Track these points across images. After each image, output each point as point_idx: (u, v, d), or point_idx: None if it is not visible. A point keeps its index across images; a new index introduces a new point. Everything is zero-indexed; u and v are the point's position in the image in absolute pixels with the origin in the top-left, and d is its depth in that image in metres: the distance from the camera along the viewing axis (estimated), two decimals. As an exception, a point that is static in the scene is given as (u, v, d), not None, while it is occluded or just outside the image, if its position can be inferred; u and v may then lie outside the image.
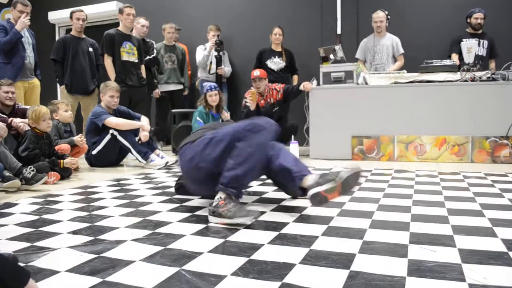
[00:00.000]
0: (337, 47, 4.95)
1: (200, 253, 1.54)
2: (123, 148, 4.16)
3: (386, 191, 2.70)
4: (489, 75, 4.24)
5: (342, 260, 1.44)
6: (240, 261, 1.46)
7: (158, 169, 4.00)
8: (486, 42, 5.19)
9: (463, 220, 1.95)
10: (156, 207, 2.34)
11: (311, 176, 2.14)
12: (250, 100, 4.84)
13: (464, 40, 5.09)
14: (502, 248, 1.55)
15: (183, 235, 1.77)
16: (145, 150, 4.14)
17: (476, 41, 5.02)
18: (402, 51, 5.37)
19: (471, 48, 4.60)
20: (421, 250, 1.54)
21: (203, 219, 2.03)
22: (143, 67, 5.32)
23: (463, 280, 1.27)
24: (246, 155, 2.04)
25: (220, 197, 2.00)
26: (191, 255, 1.52)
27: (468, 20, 5.28)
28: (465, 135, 4.19)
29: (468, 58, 4.53)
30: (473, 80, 4.26)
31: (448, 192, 2.63)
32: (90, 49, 5.41)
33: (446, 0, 5.78)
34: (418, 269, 1.36)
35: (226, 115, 4.87)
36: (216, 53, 5.92)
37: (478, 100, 4.18)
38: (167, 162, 4.10)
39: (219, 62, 5.97)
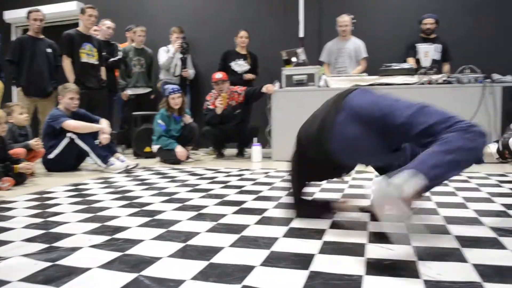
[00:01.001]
0: (300, 50, 5.01)
1: (159, 258, 1.52)
2: (82, 152, 4.06)
3: (345, 191, 2.74)
4: (445, 78, 4.39)
5: (301, 261, 1.46)
6: (200, 265, 1.44)
7: (118, 173, 3.92)
8: (439, 46, 5.36)
9: (419, 218, 2.00)
10: (115, 212, 2.29)
11: None
12: (219, 103, 4.84)
13: (417, 44, 5.25)
14: (455, 245, 1.60)
15: (142, 240, 1.74)
16: (105, 153, 4.04)
17: (433, 45, 5.19)
18: (364, 55, 5.46)
19: (428, 52, 4.75)
20: (378, 248, 1.58)
21: (164, 223, 2.00)
22: (103, 69, 5.21)
23: (418, 277, 1.31)
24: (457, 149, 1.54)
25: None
26: (150, 260, 1.50)
27: (420, 25, 5.44)
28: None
29: (425, 62, 4.67)
30: (430, 83, 4.40)
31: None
32: (49, 50, 5.25)
33: (406, 4, 5.93)
34: (375, 267, 1.39)
35: (188, 118, 4.84)
36: (181, 55, 5.87)
37: (435, 102, 4.27)
38: (128, 166, 4.02)
39: (184, 64, 5.93)
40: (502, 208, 2.20)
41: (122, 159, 4.15)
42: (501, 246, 1.58)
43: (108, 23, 5.60)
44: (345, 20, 5.37)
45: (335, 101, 2.02)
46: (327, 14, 6.03)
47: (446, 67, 5.32)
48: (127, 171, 3.98)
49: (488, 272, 1.33)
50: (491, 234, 1.74)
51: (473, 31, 5.69)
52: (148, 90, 6.05)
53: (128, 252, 1.60)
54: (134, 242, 1.71)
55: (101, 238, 1.78)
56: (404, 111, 1.73)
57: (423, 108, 1.77)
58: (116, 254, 1.57)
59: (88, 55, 4.92)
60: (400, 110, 1.74)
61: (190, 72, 6.06)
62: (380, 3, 6.10)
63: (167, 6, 6.89)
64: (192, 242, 1.71)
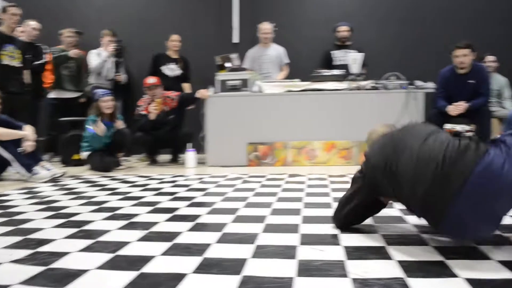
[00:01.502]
0: (233, 56, 5.03)
1: (86, 271, 1.45)
2: (3, 161, 3.80)
3: (279, 195, 2.78)
4: (372, 85, 4.59)
5: (234, 266, 1.45)
6: (130, 275, 1.40)
7: (44, 182, 3.72)
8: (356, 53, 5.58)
9: (348, 219, 2.07)
10: (39, 223, 2.16)
11: None
12: (154, 109, 4.74)
13: (332, 52, 5.50)
14: (382, 243, 1.67)
15: (68, 253, 1.66)
16: (29, 161, 3.81)
17: (360, 54, 5.41)
18: (286, 61, 5.59)
19: (357, 59, 4.94)
20: (310, 250, 1.61)
21: (93, 234, 1.92)
22: (27, 72, 4.92)
23: (346, 275, 1.35)
24: None
25: None
26: (77, 273, 1.43)
27: (334, 33, 5.64)
28: (351, 140, 4.49)
29: (354, 69, 4.86)
30: (358, 89, 4.58)
31: (336, 194, 2.78)
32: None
33: (330, 14, 6.15)
34: (306, 268, 1.42)
35: (120, 123, 4.69)
36: (116, 59, 5.67)
37: (363, 108, 4.51)
38: (54, 174, 3.83)
39: (117, 68, 5.74)
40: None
41: (48, 168, 3.93)
42: (423, 243, 1.67)
43: (33, 23, 5.30)
44: (266, 27, 5.49)
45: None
46: (261, 20, 6.11)
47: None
48: (54, 180, 3.78)
49: (411, 268, 1.40)
50: (414, 231, 1.84)
51: (397, 40, 6.02)
52: (76, 94, 5.79)
53: (52, 266, 1.51)
54: (59, 255, 1.63)
55: (23, 252, 1.67)
56: None
57: None
58: (40, 269, 1.48)
59: (10, 57, 4.63)
60: None
61: (123, 76, 5.88)
62: (310, 13, 6.27)
63: (98, 8, 6.66)
64: (122, 252, 1.65)
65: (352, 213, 1.84)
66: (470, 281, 1.28)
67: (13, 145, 3.81)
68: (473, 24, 5.86)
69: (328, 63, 5.57)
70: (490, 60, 5.30)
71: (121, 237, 1.86)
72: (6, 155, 3.76)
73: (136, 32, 6.49)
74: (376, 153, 1.69)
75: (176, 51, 5.67)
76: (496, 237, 1.73)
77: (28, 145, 3.88)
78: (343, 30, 5.55)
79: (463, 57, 4.20)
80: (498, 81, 5.33)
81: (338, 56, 5.55)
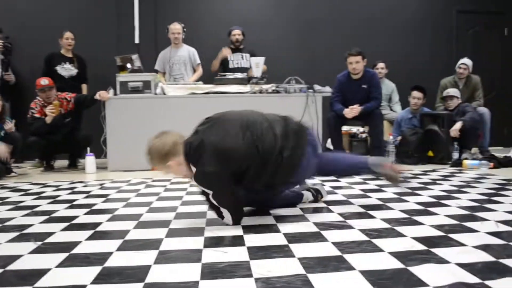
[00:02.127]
0: (134, 57, 4.87)
1: (-31, 289, 1.32)
2: None
3: (184, 198, 2.76)
4: (274, 88, 4.73)
5: (137, 274, 1.41)
6: (21, 291, 1.30)
7: None
8: (248, 55, 5.74)
9: (252, 220, 2.11)
10: None
11: None
12: (50, 112, 4.43)
13: (232, 54, 5.61)
14: (284, 242, 1.73)
15: None
16: None
17: (261, 58, 5.55)
18: (198, 61, 5.56)
19: (259, 63, 5.06)
20: (214, 252, 1.62)
21: (-23, 248, 1.75)
22: None
23: (251, 275, 1.38)
24: None
25: None
26: (-43, 293, 1.30)
27: (229, 37, 5.74)
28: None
29: (257, 72, 4.96)
30: (261, 92, 4.69)
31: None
32: None
33: (233, 16, 6.23)
34: (211, 271, 1.43)
35: (10, 125, 4.33)
36: (3, 57, 5.20)
37: (266, 110, 4.56)
38: None
39: (6, 67, 5.27)
40: (323, 205, 2.45)
41: None
42: (323, 239, 1.76)
43: None
44: (177, 28, 5.42)
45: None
46: (162, 21, 6.00)
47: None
48: None
49: (311, 263, 1.47)
50: (315, 229, 1.93)
51: (297, 46, 6.29)
52: None
53: None
54: None
55: None
56: None
57: None
58: None
59: None
60: None
61: (12, 76, 5.43)
62: (211, 13, 6.30)
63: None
64: (13, 266, 1.53)
65: (233, 200, 2.04)
66: (364, 273, 1.38)
67: None
68: (366, 33, 6.32)
69: (224, 66, 5.66)
70: (380, 67, 5.72)
71: (11, 250, 1.72)
72: None
73: (24, 27, 6.01)
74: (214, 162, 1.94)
75: (69, 50, 5.36)
76: (387, 232, 1.88)
77: None
78: (237, 33, 5.67)
79: (355, 64, 4.48)
80: (387, 86, 5.77)
81: (234, 59, 5.64)
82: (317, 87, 4.82)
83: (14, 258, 1.62)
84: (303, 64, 6.08)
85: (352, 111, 4.45)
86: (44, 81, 4.56)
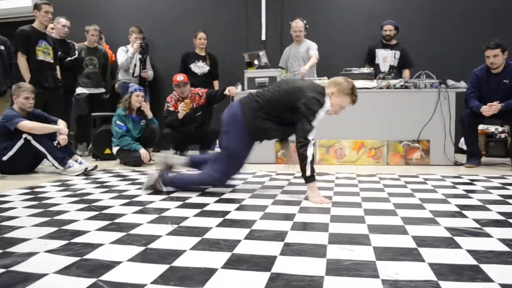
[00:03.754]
0: (261, 53, 5.03)
1: (119, 262, 1.49)
2: (38, 154, 3.92)
3: (307, 193, 2.77)
4: (402, 83, 4.51)
5: (263, 263, 1.46)
6: (161, 268, 1.42)
7: (77, 175, 3.81)
8: (398, 53, 5.51)
9: (378, 219, 2.05)
10: (73, 215, 2.22)
11: None
12: (182, 109, 4.80)
13: (377, 50, 5.40)
14: (412, 245, 1.65)
15: (101, 244, 1.70)
16: (62, 155, 3.91)
17: (391, 52, 5.34)
18: (313, 52, 5.38)
19: (386, 57, 4.88)
20: (339, 249, 1.60)
21: (124, 227, 1.96)
22: (58, 68, 5.04)
23: (377, 276, 1.34)
24: None
25: None
26: (110, 265, 1.46)
27: (381, 31, 5.59)
28: (381, 139, 4.43)
29: (384, 67, 4.80)
30: (388, 87, 4.51)
31: (365, 193, 2.75)
32: (2, 47, 5.04)
33: (362, 10, 6.07)
34: (336, 268, 1.41)
35: (147, 109, 4.78)
36: (140, 56, 5.79)
37: (393, 107, 4.44)
38: (86, 168, 3.92)
39: (143, 65, 5.85)
40: (457, 209, 2.28)
41: (80, 161, 4.03)
42: (456, 246, 1.64)
43: (63, 21, 5.43)
44: (298, 25, 5.42)
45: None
46: (288, 18, 6.08)
47: (406, 73, 5.45)
48: (86, 174, 3.87)
49: (443, 270, 1.38)
50: (447, 234, 1.80)
51: (429, 38, 5.89)
52: (101, 90, 5.92)
53: (86, 256, 1.56)
54: (92, 247, 1.67)
55: (58, 243, 1.73)
56: None
57: None
58: (74, 259, 1.53)
59: (44, 53, 4.75)
60: None
61: (149, 73, 5.99)
62: (341, 7, 6.20)
63: (126, 6, 6.76)
64: (153, 245, 1.68)
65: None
66: (505, 286, 1.26)
67: (47, 138, 3.92)
68: (506, 22, 5.69)
69: (371, 60, 5.53)
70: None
71: (151, 230, 1.90)
72: (41, 148, 3.86)
73: (163, 30, 6.56)
74: None
75: (203, 49, 5.72)
76: (532, 241, 1.68)
77: (62, 139, 3.98)
78: (389, 29, 5.50)
79: (493, 58, 4.08)
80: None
81: (382, 54, 5.47)
82: (450, 82, 4.50)
83: (154, 238, 1.78)
84: (435, 58, 5.68)
85: (491, 108, 4.06)
86: (180, 77, 4.94)
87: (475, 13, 5.81)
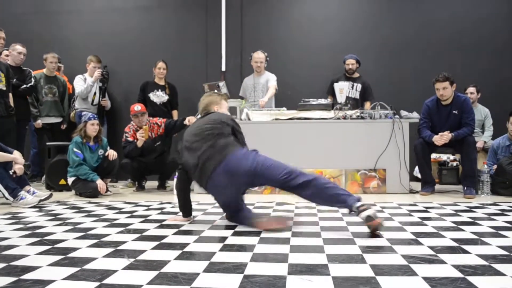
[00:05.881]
0: (221, 84, 5.07)
1: (71, 299, 1.42)
2: (-13, 185, 3.74)
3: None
4: (358, 114, 4.65)
5: (222, 296, 1.44)
6: (116, 305, 1.38)
7: (30, 207, 3.66)
8: (359, 86, 5.70)
9: (337, 248, 2.07)
10: (23, 250, 2.12)
11: None
12: (141, 136, 4.74)
13: (339, 82, 5.58)
14: (371, 273, 1.67)
15: (53, 280, 1.62)
16: (14, 186, 3.75)
17: (349, 83, 5.53)
18: (271, 83, 5.50)
19: (343, 89, 5.03)
20: (298, 280, 1.60)
21: (78, 262, 1.89)
22: (11, 95, 4.87)
23: (336, 307, 1.34)
24: None
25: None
26: (61, 302, 1.40)
27: (344, 65, 5.79)
28: (339, 168, 4.51)
29: (340, 98, 4.93)
30: (344, 118, 4.64)
31: (324, 223, 2.78)
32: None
33: (325, 44, 6.27)
34: (295, 299, 1.41)
35: (112, 154, 4.68)
36: (101, 84, 5.74)
37: (350, 136, 4.56)
38: (40, 200, 3.76)
39: (103, 93, 5.78)
40: (413, 237, 2.34)
41: (33, 192, 3.89)
42: (412, 273, 1.67)
43: (18, 48, 5.31)
44: (260, 56, 5.53)
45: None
46: (248, 50, 6.20)
47: (367, 105, 5.58)
48: (39, 205, 3.72)
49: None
50: (403, 261, 1.84)
51: (384, 71, 6.15)
52: (60, 119, 5.79)
53: (36, 294, 1.48)
54: (44, 283, 1.59)
55: (6, 280, 1.64)
56: None
57: None
58: (23, 298, 1.45)
59: (-5, 80, 4.60)
60: None
61: (108, 102, 5.93)
62: (301, 41, 6.38)
63: (84, 34, 6.69)
64: (108, 281, 1.63)
65: None
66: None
67: (0, 167, 3.76)
68: (455, 55, 6.02)
69: (334, 92, 5.65)
70: (470, 91, 5.43)
71: (107, 265, 1.84)
72: (-8, 177, 3.70)
73: (123, 58, 6.52)
74: None
75: (162, 78, 5.72)
76: (484, 269, 1.74)
77: (18, 168, 3.84)
78: (350, 63, 5.71)
79: (443, 90, 4.28)
80: (481, 111, 5.45)
81: (338, 85, 5.62)
82: (403, 112, 4.68)
83: (109, 272, 1.72)
84: (388, 90, 5.93)
85: (442, 137, 4.24)
86: (137, 107, 4.89)
87: (428, 47, 6.12)
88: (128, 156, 4.87)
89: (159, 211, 3.38)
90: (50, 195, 3.92)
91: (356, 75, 5.81)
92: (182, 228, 2.66)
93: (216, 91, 4.82)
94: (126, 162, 4.86)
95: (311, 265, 1.80)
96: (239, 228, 2.63)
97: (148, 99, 5.59)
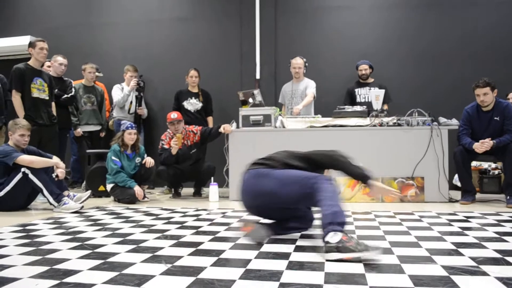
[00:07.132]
0: (256, 92, 5.09)
1: (111, 303, 1.46)
2: (34, 189, 3.89)
3: (301, 231, 2.75)
4: (395, 121, 4.57)
5: (259, 304, 1.44)
6: (155, 309, 1.40)
7: (71, 213, 3.77)
8: (376, 89, 5.58)
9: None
10: (65, 254, 2.19)
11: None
12: (174, 144, 4.82)
13: (355, 89, 5.65)
14: (409, 284, 1.64)
15: (93, 284, 1.67)
16: (58, 192, 3.88)
17: (379, 90, 5.44)
18: (310, 90, 5.48)
19: (379, 95, 4.95)
20: (335, 289, 1.58)
21: (117, 266, 1.93)
22: (53, 104, 5.06)
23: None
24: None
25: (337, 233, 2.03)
26: (102, 306, 1.43)
27: (357, 71, 5.76)
28: (375, 176, 4.43)
29: (376, 105, 4.86)
30: (381, 125, 4.57)
31: (360, 231, 2.74)
32: (-2, 84, 5.10)
33: (360, 54, 6.20)
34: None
35: (149, 161, 4.79)
36: (137, 93, 5.88)
37: (386, 144, 4.48)
38: (82, 207, 3.88)
39: (140, 102, 5.93)
40: (453, 247, 2.27)
41: (73, 195, 4.04)
42: (453, 285, 1.62)
43: (60, 59, 5.52)
44: (298, 62, 5.53)
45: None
46: (281, 58, 6.24)
47: (385, 107, 5.51)
48: (79, 212, 3.83)
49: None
50: (444, 272, 1.79)
51: (421, 77, 6.03)
52: (98, 127, 5.96)
53: (78, 297, 1.53)
54: (85, 286, 1.64)
55: (49, 283, 1.69)
56: None
57: None
58: (65, 300, 1.50)
59: (39, 90, 4.78)
60: None
61: (144, 110, 6.07)
62: (336, 51, 6.34)
63: (121, 45, 6.89)
64: (146, 285, 1.66)
65: None
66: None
67: (44, 173, 3.91)
68: (496, 60, 5.83)
69: (352, 100, 5.66)
70: (512, 97, 5.25)
71: (145, 270, 1.87)
72: (38, 182, 3.84)
73: (158, 68, 6.67)
74: None
75: (195, 86, 5.80)
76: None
77: (60, 172, 4.00)
78: (364, 68, 5.69)
79: (483, 96, 4.16)
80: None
81: (361, 93, 5.63)
82: (442, 119, 4.56)
83: (147, 277, 1.75)
84: (427, 96, 5.82)
85: (483, 145, 4.11)
86: (174, 115, 4.98)
87: (465, 51, 5.96)
88: (163, 163, 4.96)
89: (195, 218, 3.42)
90: (91, 194, 4.05)
91: (370, 80, 5.76)
92: (218, 235, 2.68)
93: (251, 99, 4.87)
94: (162, 169, 4.95)
95: (348, 274, 1.78)
96: (274, 236, 2.62)
97: (183, 108, 5.68)
